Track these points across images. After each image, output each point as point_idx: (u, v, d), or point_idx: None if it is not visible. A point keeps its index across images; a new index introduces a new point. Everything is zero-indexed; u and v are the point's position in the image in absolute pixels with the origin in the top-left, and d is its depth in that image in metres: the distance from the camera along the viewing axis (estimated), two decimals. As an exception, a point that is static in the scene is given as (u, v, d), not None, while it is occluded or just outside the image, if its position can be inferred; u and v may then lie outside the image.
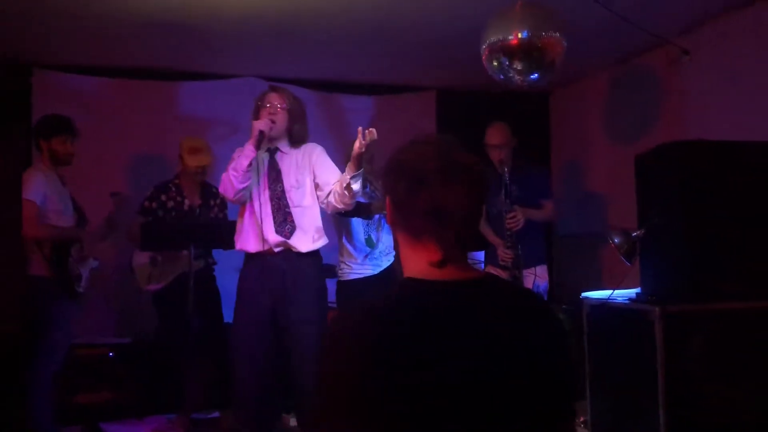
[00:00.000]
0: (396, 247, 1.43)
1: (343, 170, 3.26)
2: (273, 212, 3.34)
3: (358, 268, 4.19)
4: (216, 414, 4.32)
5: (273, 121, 3.31)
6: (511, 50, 3.20)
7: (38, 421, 3.63)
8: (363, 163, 3.16)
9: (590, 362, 3.10)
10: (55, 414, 3.78)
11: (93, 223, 4.09)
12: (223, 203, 4.40)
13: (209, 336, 4.08)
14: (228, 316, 3.84)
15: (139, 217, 4.21)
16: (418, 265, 1.29)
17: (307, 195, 3.38)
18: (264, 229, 3.32)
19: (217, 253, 4.39)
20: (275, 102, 3.36)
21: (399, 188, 1.28)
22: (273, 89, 3.44)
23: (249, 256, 3.41)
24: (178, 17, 4.00)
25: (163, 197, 4.28)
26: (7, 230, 3.84)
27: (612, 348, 2.99)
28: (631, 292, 3.03)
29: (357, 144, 3.06)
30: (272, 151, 3.42)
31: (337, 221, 4.12)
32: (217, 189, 4.39)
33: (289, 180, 3.37)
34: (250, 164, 3.26)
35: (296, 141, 3.43)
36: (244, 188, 3.31)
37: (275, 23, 4.13)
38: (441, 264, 1.26)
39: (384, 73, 5.36)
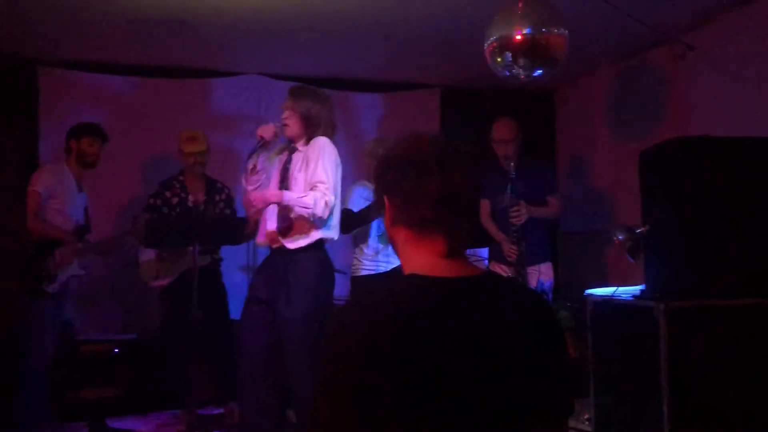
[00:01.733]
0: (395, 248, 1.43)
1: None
2: (277, 210, 3.35)
3: (371, 264, 4.21)
4: (221, 410, 4.34)
5: (285, 125, 3.34)
6: (515, 47, 3.20)
7: (25, 417, 3.73)
8: None
9: (594, 359, 3.09)
10: (57, 410, 3.85)
11: (95, 234, 4.22)
12: (230, 198, 4.41)
13: (214, 332, 4.09)
14: (236, 312, 3.84)
15: (144, 214, 4.23)
16: (422, 261, 1.29)
17: (301, 192, 3.28)
18: (265, 225, 3.38)
19: (226, 250, 4.40)
20: (288, 105, 3.38)
21: (405, 183, 1.28)
22: (289, 92, 3.43)
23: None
24: (179, 14, 4.00)
25: (168, 194, 4.29)
26: (7, 224, 3.94)
27: (616, 345, 2.98)
28: (636, 289, 3.02)
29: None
30: (291, 150, 3.43)
31: None
32: (222, 184, 4.42)
33: (290, 178, 3.36)
34: (254, 167, 3.35)
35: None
36: (254, 189, 3.39)
37: (279, 19, 4.12)
38: (449, 254, 1.27)
39: (389, 70, 5.34)
